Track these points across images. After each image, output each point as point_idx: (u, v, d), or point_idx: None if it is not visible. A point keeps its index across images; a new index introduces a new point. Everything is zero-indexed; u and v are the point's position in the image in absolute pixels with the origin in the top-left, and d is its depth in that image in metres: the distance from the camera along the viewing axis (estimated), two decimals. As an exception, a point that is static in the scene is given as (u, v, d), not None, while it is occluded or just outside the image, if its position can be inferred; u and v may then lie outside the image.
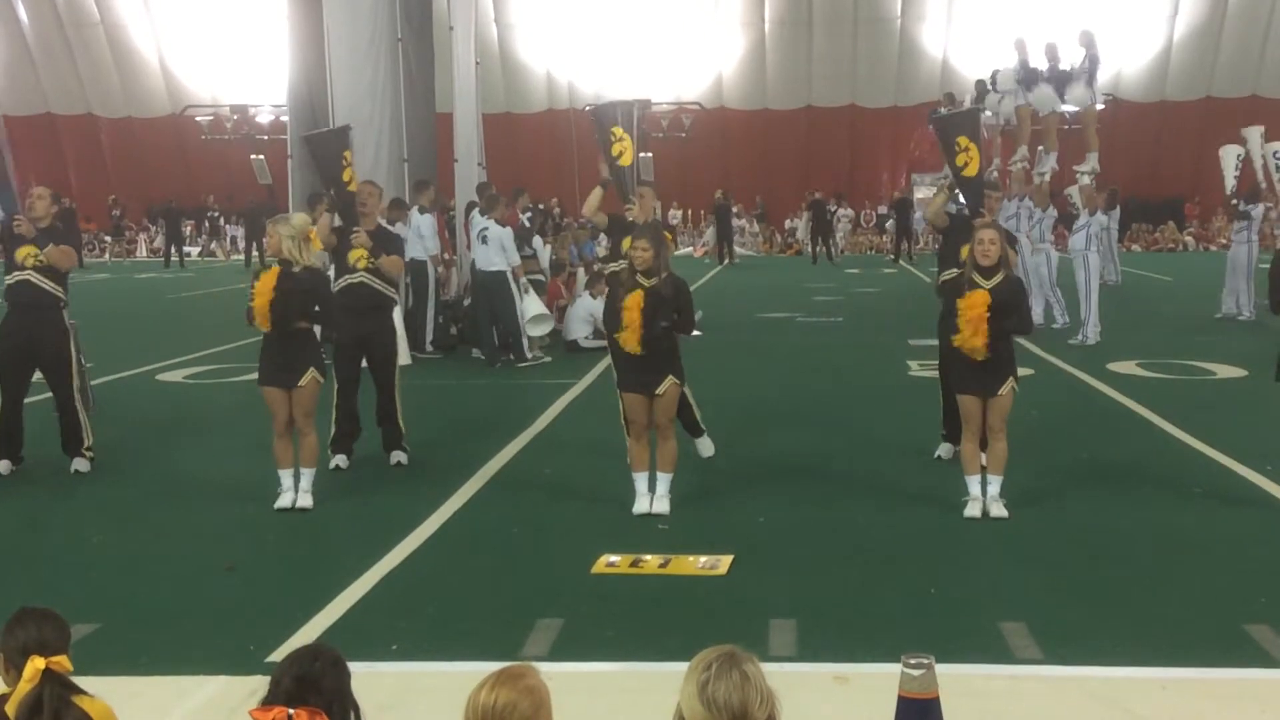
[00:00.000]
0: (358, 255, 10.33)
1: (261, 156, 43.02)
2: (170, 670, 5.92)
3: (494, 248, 15.77)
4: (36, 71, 47.35)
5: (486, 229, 15.80)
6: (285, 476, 8.95)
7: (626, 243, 10.01)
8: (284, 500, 8.91)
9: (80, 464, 10.32)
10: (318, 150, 11.17)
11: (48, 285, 10.11)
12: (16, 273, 10.07)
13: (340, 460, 10.28)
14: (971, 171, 10.27)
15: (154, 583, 7.43)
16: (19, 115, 47.50)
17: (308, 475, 9.03)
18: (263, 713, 3.17)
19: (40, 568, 7.79)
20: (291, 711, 3.14)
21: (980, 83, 22.96)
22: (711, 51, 46.25)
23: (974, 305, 8.21)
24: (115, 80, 47.48)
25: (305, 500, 8.97)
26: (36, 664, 3.47)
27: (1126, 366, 15.24)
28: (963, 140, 10.32)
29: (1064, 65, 19.93)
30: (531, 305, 16.22)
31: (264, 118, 45.73)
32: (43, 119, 47.81)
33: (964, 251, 9.33)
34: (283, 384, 8.85)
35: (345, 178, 10.71)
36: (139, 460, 10.77)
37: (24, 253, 10.04)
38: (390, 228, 12.06)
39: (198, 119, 47.04)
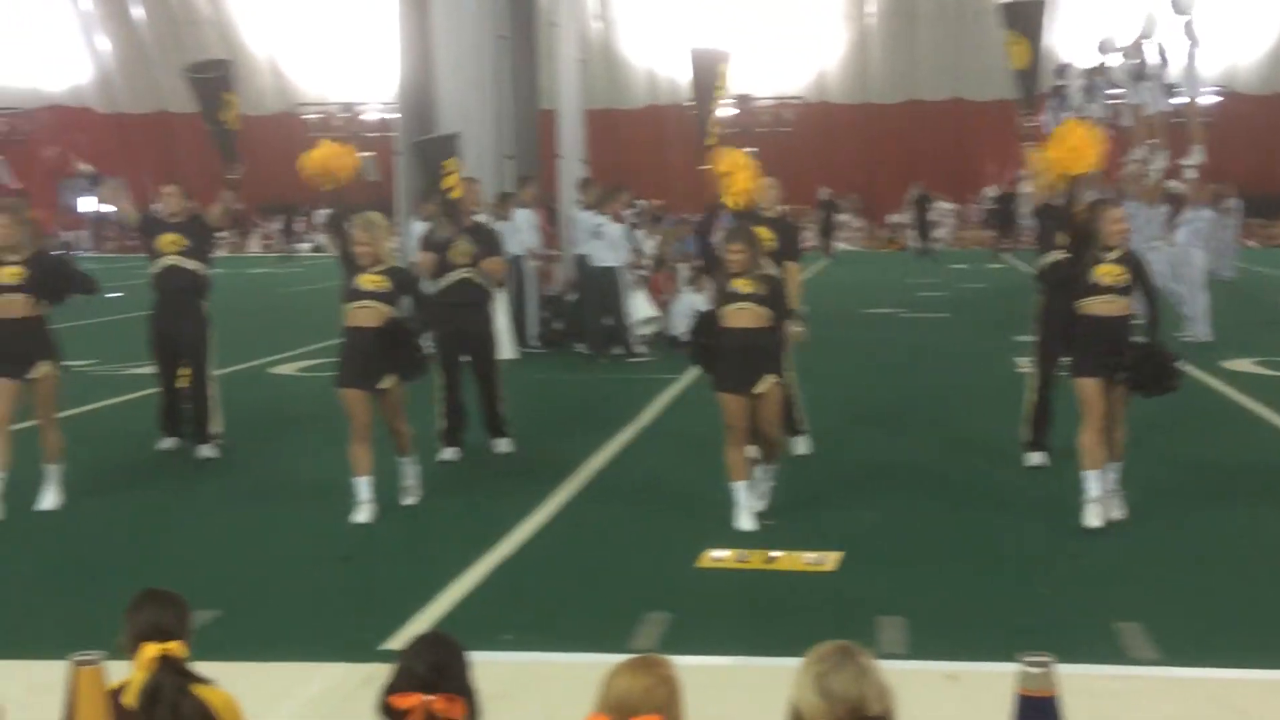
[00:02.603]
0: (459, 251, 10.43)
1: (370, 154, 43.54)
2: (289, 656, 6.06)
3: (608, 243, 15.94)
4: (151, 70, 48.38)
5: (601, 225, 15.97)
6: (363, 486, 8.62)
7: (762, 232, 9.95)
8: (362, 514, 8.55)
9: (208, 450, 10.60)
10: (424, 155, 11.30)
11: (193, 267, 10.46)
12: (161, 259, 10.40)
13: (451, 453, 10.42)
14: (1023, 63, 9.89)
15: (272, 571, 7.61)
16: (136, 113, 48.65)
17: (409, 466, 9.05)
18: (401, 699, 3.20)
19: (163, 554, 8.00)
20: (429, 699, 3.20)
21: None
22: (814, 45, 46.02)
23: (1110, 273, 8.09)
24: (226, 78, 48.36)
25: (410, 497, 8.99)
26: (149, 652, 3.49)
27: (1243, 364, 14.93)
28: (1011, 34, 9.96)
29: (1163, 59, 19.60)
30: (641, 306, 16.36)
31: (371, 116, 46.33)
32: (158, 117, 48.83)
33: (1060, 239, 9.28)
34: (363, 386, 8.65)
35: (447, 184, 10.75)
36: (255, 451, 10.97)
37: (167, 240, 10.38)
38: (491, 224, 12.12)
39: (306, 117, 47.76)
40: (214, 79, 10.78)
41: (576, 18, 20.46)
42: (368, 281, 8.72)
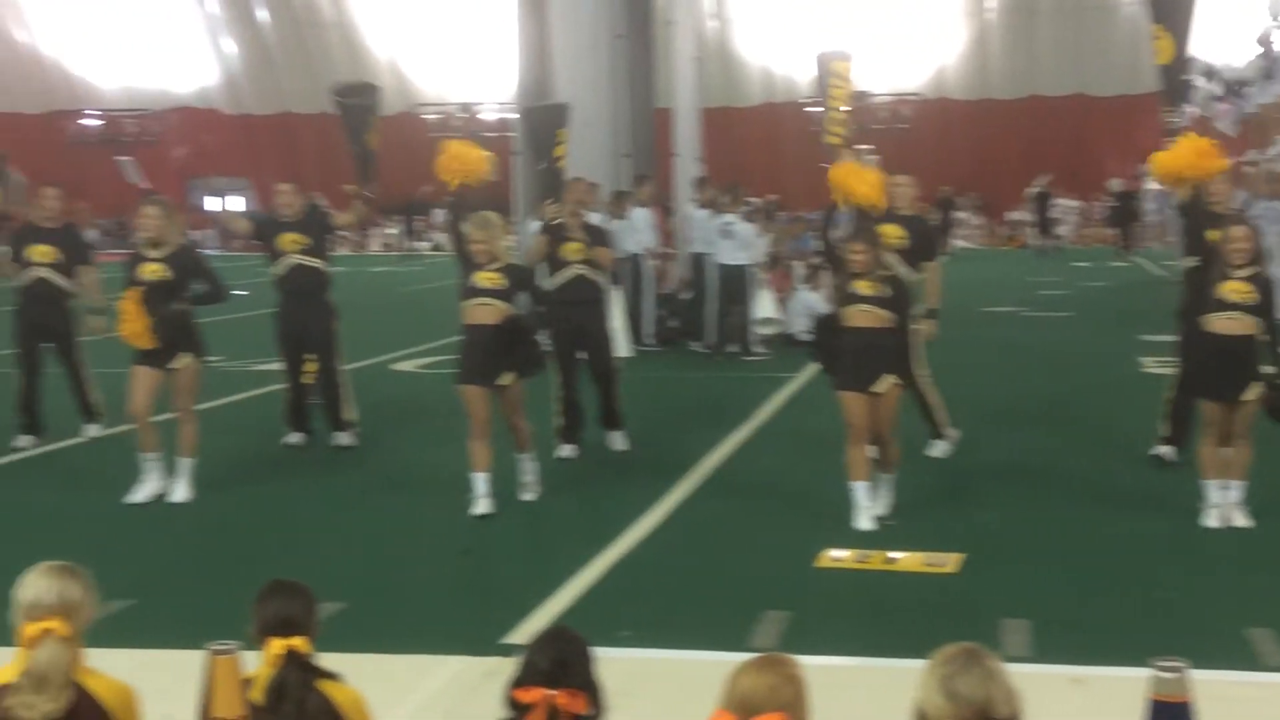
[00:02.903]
0: (572, 248, 10.48)
1: (490, 154, 44.07)
2: (412, 649, 6.15)
3: (739, 242, 16.13)
4: (276, 72, 49.32)
5: (731, 224, 16.16)
6: (480, 481, 8.70)
7: (892, 231, 9.91)
8: (480, 507, 8.64)
9: (345, 438, 10.89)
10: (535, 123, 11.52)
11: (318, 265, 10.73)
12: (284, 259, 10.66)
13: (569, 450, 10.48)
14: None
15: (394, 564, 7.73)
16: (261, 114, 49.61)
17: (528, 462, 9.07)
18: (524, 693, 3.24)
19: (289, 545, 8.18)
20: (551, 693, 3.23)
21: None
22: (933, 41, 45.54)
23: (1237, 290, 7.96)
24: (349, 79, 49.08)
25: (529, 493, 9.01)
26: (274, 648, 3.53)
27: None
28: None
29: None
30: (764, 305, 16.54)
31: (488, 115, 46.80)
32: (281, 118, 49.76)
33: (1212, 235, 9.00)
34: (484, 382, 8.68)
35: (557, 153, 11.02)
36: (377, 446, 11.14)
37: (288, 239, 10.63)
38: (603, 222, 12.27)
39: (426, 117, 48.38)
40: (362, 104, 11.20)
41: (693, 16, 20.48)
42: (485, 279, 8.79)
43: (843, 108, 10.68)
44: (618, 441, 10.75)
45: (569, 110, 11.48)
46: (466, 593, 7.22)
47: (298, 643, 3.54)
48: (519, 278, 9.04)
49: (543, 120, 11.36)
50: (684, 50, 19.41)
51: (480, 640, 6.21)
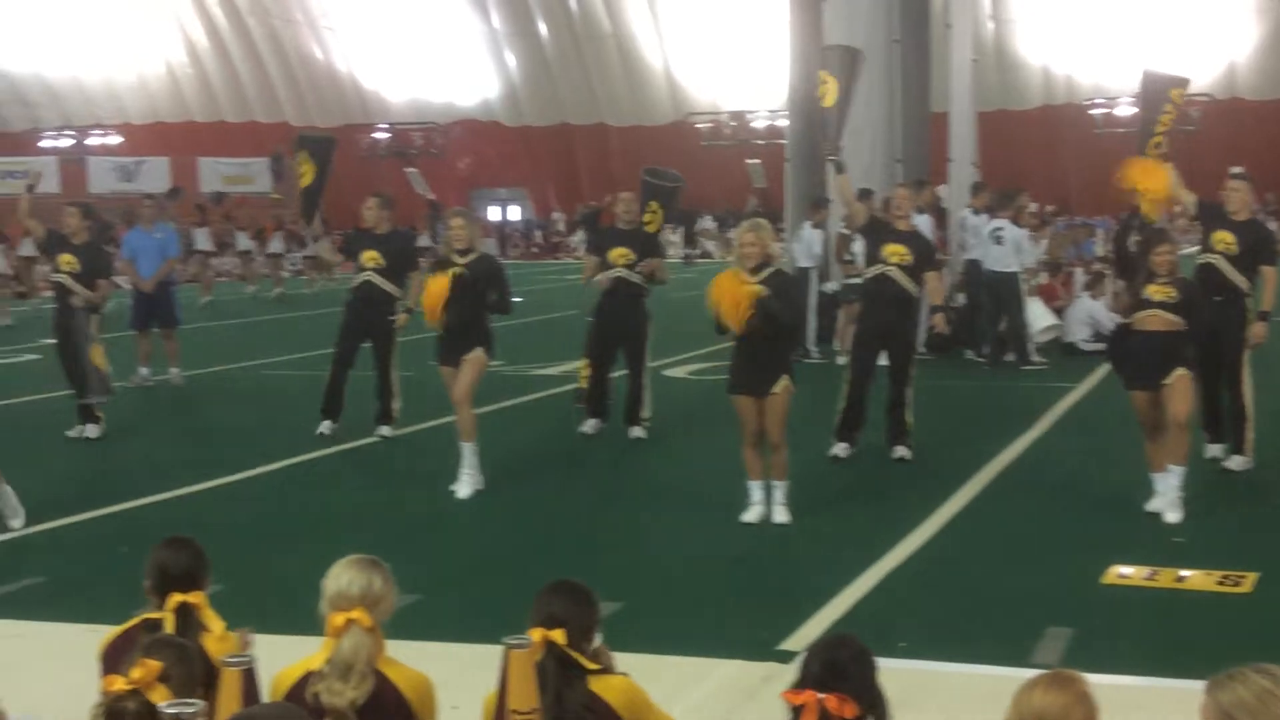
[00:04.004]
0: (892, 250, 10.39)
1: (758, 161, 44.28)
2: (687, 651, 6.19)
3: (1009, 248, 15.74)
4: (554, 84, 50.57)
5: (1002, 229, 15.79)
6: (755, 489, 8.70)
7: (1224, 237, 9.58)
8: (751, 514, 8.64)
9: (638, 431, 11.60)
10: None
11: (637, 279, 11.41)
12: (612, 271, 11.40)
13: (841, 449, 10.45)
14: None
15: (668, 566, 7.84)
16: (540, 125, 50.97)
17: (780, 489, 8.72)
18: (794, 695, 3.27)
19: (568, 545, 8.36)
20: (821, 696, 3.24)
21: None
22: (1224, 37, 43.43)
23: None
24: (624, 90, 50.00)
25: (780, 515, 8.66)
26: (533, 636, 3.63)
27: None
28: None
29: None
30: (1042, 314, 16.33)
31: (759, 123, 46.98)
32: (559, 129, 51.00)
33: None
34: (755, 392, 8.57)
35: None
36: (651, 449, 11.34)
37: (618, 253, 11.41)
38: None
39: (698, 125, 48.86)
40: (667, 188, 11.91)
41: (971, 18, 20.09)
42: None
43: (1164, 132, 10.35)
44: (899, 452, 10.54)
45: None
46: (742, 598, 7.25)
47: (555, 635, 3.64)
48: (780, 284, 8.72)
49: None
50: (961, 53, 19.07)
51: (756, 645, 6.24)
